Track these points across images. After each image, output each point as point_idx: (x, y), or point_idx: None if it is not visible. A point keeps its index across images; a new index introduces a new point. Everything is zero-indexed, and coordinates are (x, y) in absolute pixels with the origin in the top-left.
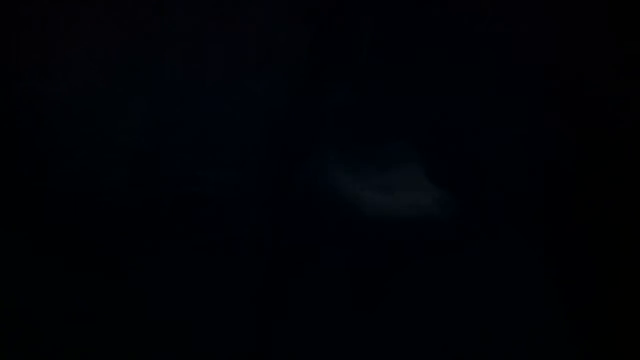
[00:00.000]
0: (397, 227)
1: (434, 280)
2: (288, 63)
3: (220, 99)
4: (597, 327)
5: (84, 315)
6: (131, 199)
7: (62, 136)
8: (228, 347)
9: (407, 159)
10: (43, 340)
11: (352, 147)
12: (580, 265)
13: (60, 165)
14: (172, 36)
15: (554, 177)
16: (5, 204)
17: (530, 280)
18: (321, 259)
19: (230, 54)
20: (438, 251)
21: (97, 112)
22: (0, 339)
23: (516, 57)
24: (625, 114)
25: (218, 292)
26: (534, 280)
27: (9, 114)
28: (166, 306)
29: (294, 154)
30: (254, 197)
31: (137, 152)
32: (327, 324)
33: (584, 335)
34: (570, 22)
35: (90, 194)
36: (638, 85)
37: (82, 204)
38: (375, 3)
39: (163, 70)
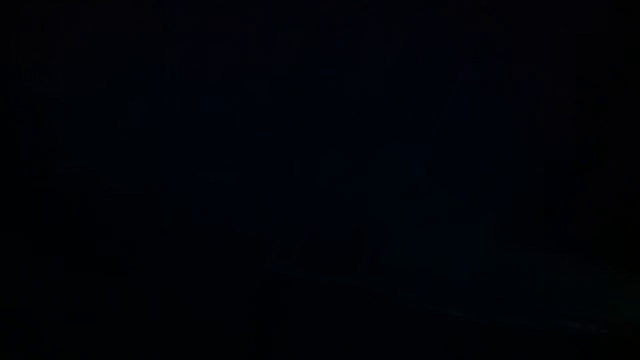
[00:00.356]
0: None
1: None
2: (288, 63)
3: (220, 99)
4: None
5: (84, 315)
6: (131, 199)
7: (62, 136)
8: (228, 347)
9: (408, 160)
10: (43, 340)
11: (355, 147)
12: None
13: (60, 165)
14: (172, 36)
15: (555, 177)
16: (5, 204)
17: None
18: (321, 259)
19: (230, 54)
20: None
21: (97, 112)
22: (0, 339)
23: (516, 58)
24: (624, 114)
25: (218, 292)
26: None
27: (9, 114)
28: (166, 306)
29: (295, 154)
30: (253, 197)
31: (137, 152)
32: (327, 324)
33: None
34: (571, 24)
35: (90, 194)
36: (638, 86)
37: (82, 204)
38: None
39: (163, 70)
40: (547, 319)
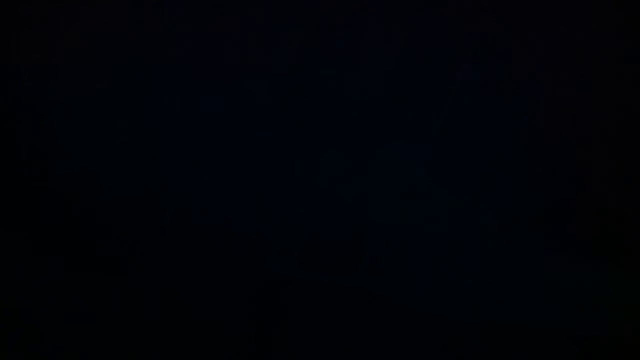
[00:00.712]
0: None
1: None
2: (288, 63)
3: (220, 99)
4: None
5: (84, 315)
6: (131, 199)
7: (62, 136)
8: (228, 347)
9: (408, 160)
10: (43, 340)
11: (355, 147)
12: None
13: (60, 165)
14: (172, 36)
15: (555, 177)
16: (6, 204)
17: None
18: (321, 259)
19: (230, 54)
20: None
21: (97, 112)
22: (0, 339)
23: (516, 59)
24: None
25: (218, 292)
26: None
27: (9, 114)
28: (166, 306)
29: (295, 154)
30: (253, 197)
31: (137, 152)
32: (327, 324)
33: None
34: (572, 24)
35: (90, 194)
36: (637, 86)
37: (82, 204)
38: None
39: (163, 70)
40: (547, 319)
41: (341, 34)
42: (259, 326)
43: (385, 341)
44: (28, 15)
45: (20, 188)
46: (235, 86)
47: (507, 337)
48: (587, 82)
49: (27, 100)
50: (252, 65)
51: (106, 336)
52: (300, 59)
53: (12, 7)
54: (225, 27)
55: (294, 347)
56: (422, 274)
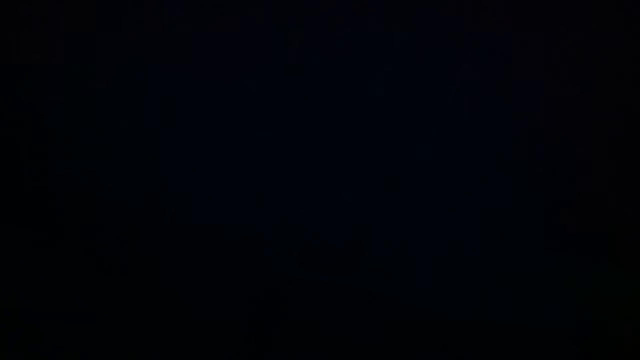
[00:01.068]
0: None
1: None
2: (288, 63)
3: (220, 99)
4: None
5: (84, 315)
6: (131, 199)
7: (62, 136)
8: (228, 347)
9: (408, 160)
10: (43, 340)
11: (355, 147)
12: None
13: (60, 166)
14: (172, 36)
15: (555, 176)
16: (6, 204)
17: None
18: (321, 259)
19: (230, 54)
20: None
21: (97, 112)
22: (0, 339)
23: (516, 59)
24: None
25: (218, 292)
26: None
27: (9, 114)
28: (166, 306)
29: (295, 154)
30: (253, 197)
31: (137, 152)
32: (327, 324)
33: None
34: (572, 24)
35: (90, 194)
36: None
37: (82, 204)
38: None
39: (163, 70)
40: (547, 319)
41: (341, 34)
42: (259, 326)
43: (385, 340)
44: (28, 15)
45: (20, 188)
46: (235, 86)
47: (507, 337)
48: (587, 82)
49: (27, 100)
50: (252, 65)
51: (106, 336)
52: (300, 59)
53: (12, 7)
54: (225, 27)
55: (294, 347)
56: (422, 274)
